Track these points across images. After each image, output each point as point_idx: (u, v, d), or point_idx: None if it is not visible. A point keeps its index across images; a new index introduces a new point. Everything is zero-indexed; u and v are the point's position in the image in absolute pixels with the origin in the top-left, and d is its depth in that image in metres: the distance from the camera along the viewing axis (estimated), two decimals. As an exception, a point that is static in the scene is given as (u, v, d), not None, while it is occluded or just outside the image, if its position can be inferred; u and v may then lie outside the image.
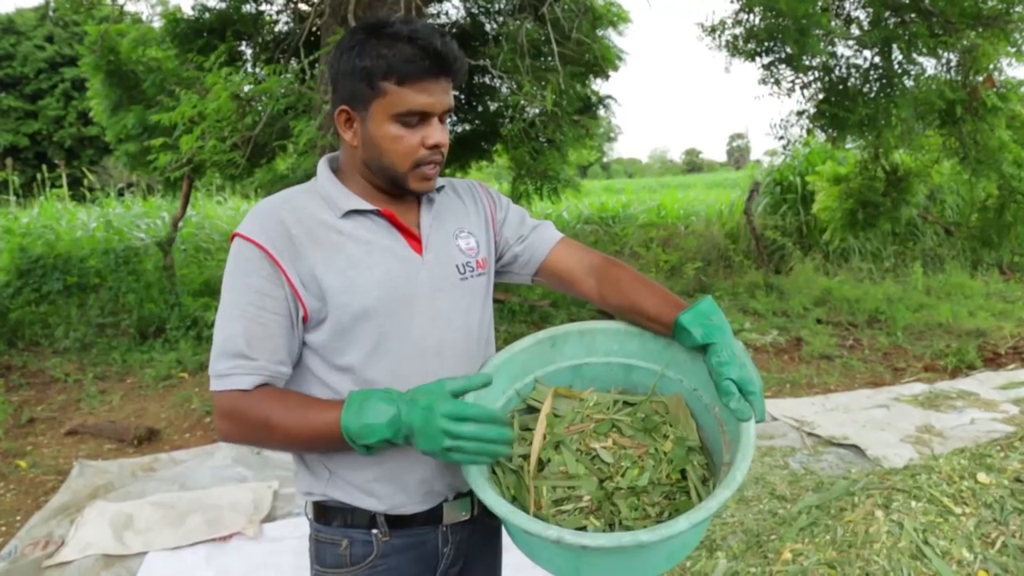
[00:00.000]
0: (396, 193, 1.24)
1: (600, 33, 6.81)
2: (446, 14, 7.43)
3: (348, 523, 1.25)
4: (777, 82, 5.98)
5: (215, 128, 4.51)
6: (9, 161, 17.46)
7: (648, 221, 10.44)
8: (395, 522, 1.25)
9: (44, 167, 15.87)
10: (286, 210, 1.18)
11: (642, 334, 1.29)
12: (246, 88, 4.87)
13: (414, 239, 1.24)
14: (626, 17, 6.96)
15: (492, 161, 7.64)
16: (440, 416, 1.01)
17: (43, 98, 27.66)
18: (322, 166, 1.27)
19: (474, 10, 7.30)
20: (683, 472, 1.19)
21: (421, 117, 1.15)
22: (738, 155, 51.92)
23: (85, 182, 14.67)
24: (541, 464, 1.20)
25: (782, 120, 6.37)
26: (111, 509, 3.28)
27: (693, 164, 58.08)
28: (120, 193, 13.54)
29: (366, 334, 1.18)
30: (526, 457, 1.20)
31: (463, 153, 7.33)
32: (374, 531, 1.24)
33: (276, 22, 7.16)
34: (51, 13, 27.62)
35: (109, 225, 8.95)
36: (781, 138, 6.30)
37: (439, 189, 1.31)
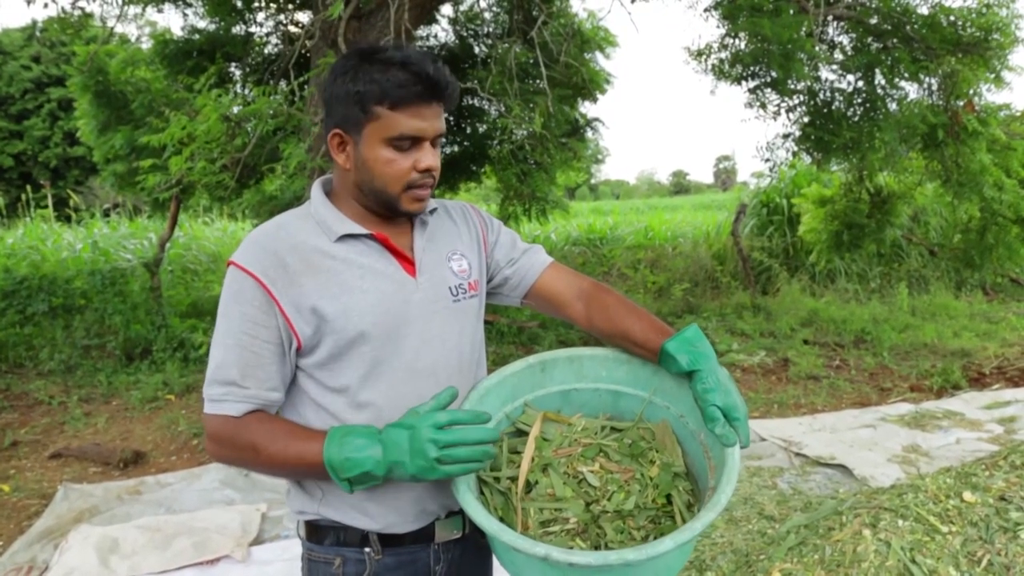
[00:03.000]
0: (389, 216, 1.26)
1: (588, 56, 6.89)
2: (435, 37, 7.50)
3: (341, 541, 1.26)
4: (763, 105, 6.06)
5: (204, 149, 4.52)
6: (-6, 181, 17.36)
7: (636, 243, 10.51)
8: (387, 540, 1.26)
9: (29, 187, 15.78)
10: (280, 238, 1.20)
11: (630, 361, 1.31)
12: (235, 109, 4.89)
13: (408, 262, 1.25)
14: (613, 41, 7.05)
15: (480, 183, 7.68)
16: (425, 427, 1.05)
17: (29, 118, 27.56)
18: (316, 189, 1.28)
19: (463, 33, 7.37)
20: (668, 497, 1.20)
21: (413, 141, 1.17)
22: (725, 177, 52.37)
23: (71, 203, 14.60)
24: (529, 486, 1.21)
25: (768, 143, 6.44)
26: (96, 533, 3.24)
27: (680, 186, 58.52)
28: (106, 214, 13.48)
29: (361, 358, 1.19)
30: (514, 479, 1.21)
31: (452, 174, 7.36)
32: (367, 549, 1.25)
33: (265, 44, 7.20)
34: (38, 33, 27.62)
35: (95, 246, 8.92)
36: (767, 160, 6.37)
37: (432, 211, 1.32)
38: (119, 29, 6.65)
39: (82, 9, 5.75)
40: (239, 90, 6.78)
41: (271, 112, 4.56)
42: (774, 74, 5.70)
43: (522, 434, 1.30)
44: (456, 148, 7.38)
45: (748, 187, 12.70)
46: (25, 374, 6.55)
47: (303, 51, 5.43)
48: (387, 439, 1.07)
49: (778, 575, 2.59)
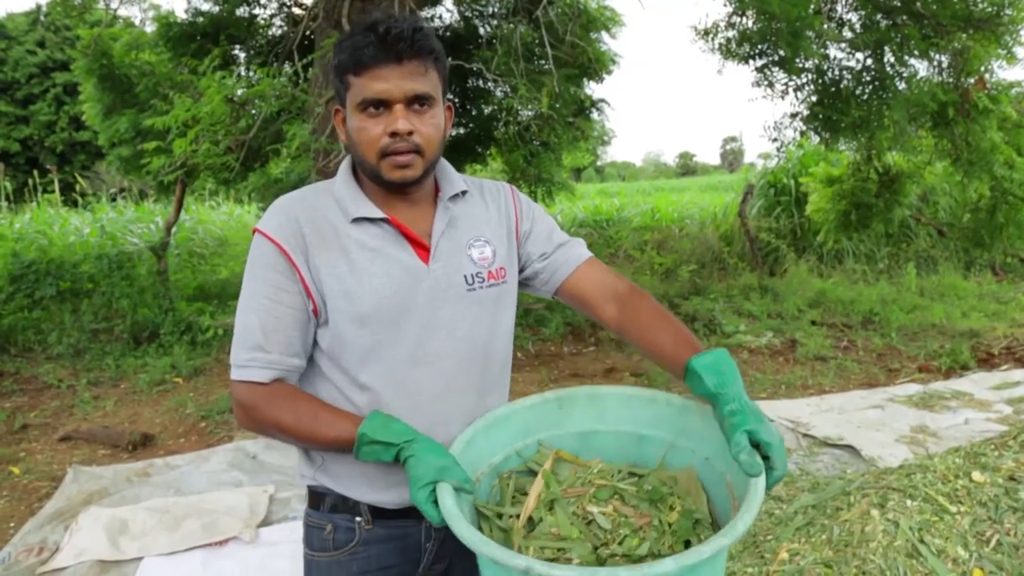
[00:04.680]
0: (406, 195, 1.23)
1: (593, 36, 6.82)
2: (440, 17, 7.43)
3: (334, 508, 1.28)
4: (770, 84, 6.00)
5: (209, 132, 4.50)
6: (1, 166, 17.39)
7: (642, 224, 10.46)
8: (379, 513, 1.27)
9: (36, 172, 15.81)
10: (301, 209, 1.21)
11: (654, 400, 1.23)
12: (240, 92, 4.86)
13: (422, 248, 1.23)
14: (619, 20, 6.97)
15: (486, 164, 7.64)
16: (450, 479, 1.06)
17: (35, 103, 27.57)
18: (343, 166, 1.29)
19: (468, 13, 7.30)
20: (687, 543, 1.10)
21: (381, 105, 1.14)
22: (732, 158, 52.08)
23: (77, 187, 14.61)
24: (532, 524, 1.14)
25: (776, 122, 6.39)
26: (106, 515, 3.26)
27: (687, 167, 58.21)
28: (112, 198, 13.49)
29: (360, 340, 1.19)
30: (517, 515, 1.15)
31: (457, 156, 7.32)
32: (358, 519, 1.27)
33: (270, 26, 7.15)
34: (43, 18, 27.58)
35: (102, 230, 8.93)
36: (775, 140, 6.32)
37: (463, 193, 1.29)
38: (123, 12, 6.63)
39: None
40: (243, 72, 6.75)
41: (275, 94, 4.54)
42: (782, 52, 5.64)
43: (533, 474, 1.22)
44: (461, 130, 7.34)
45: (755, 168, 12.63)
46: (34, 358, 6.59)
47: (307, 32, 5.40)
48: (420, 452, 1.08)
49: (785, 555, 2.59)
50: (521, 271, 1.36)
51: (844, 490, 3.12)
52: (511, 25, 5.79)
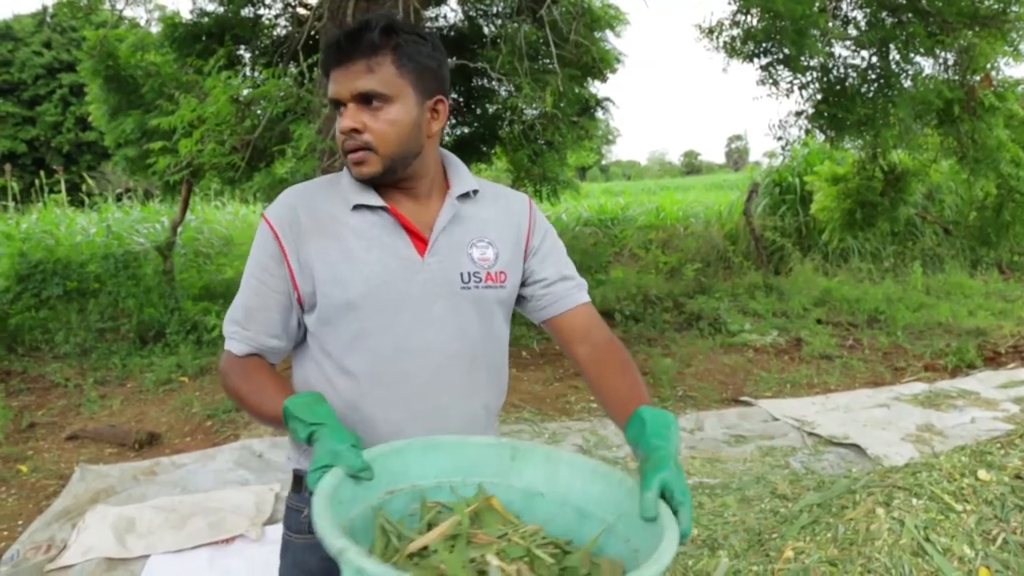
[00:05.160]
0: (404, 189, 1.25)
1: (597, 35, 6.82)
2: (444, 17, 7.44)
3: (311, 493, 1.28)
4: (775, 83, 6.00)
5: (214, 131, 4.52)
6: (8, 167, 17.47)
7: (647, 223, 10.46)
8: None
9: (42, 173, 15.85)
10: (304, 197, 1.25)
11: (608, 477, 1.11)
12: (245, 92, 4.88)
13: (421, 240, 1.23)
14: (623, 19, 6.98)
15: (491, 163, 7.65)
16: (313, 471, 0.99)
17: (41, 104, 27.67)
18: None
19: (472, 13, 7.31)
20: None
21: (340, 104, 1.17)
22: (737, 156, 52.00)
23: (83, 187, 14.66)
24: (424, 555, 1.02)
25: (781, 121, 6.39)
26: (113, 513, 3.28)
27: (692, 166, 58.12)
28: (118, 198, 13.53)
29: (346, 326, 1.22)
30: (413, 538, 1.04)
31: (462, 155, 7.28)
32: None
33: (274, 26, 7.17)
34: (49, 19, 27.67)
35: (108, 230, 8.95)
36: (780, 139, 6.32)
37: (474, 193, 1.29)
38: (128, 13, 6.65)
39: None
40: (248, 72, 6.77)
41: (281, 94, 4.55)
42: (787, 51, 5.63)
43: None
44: (466, 129, 7.35)
45: (760, 166, 12.61)
46: (41, 357, 6.61)
47: (312, 32, 5.41)
48: (324, 436, 1.04)
49: (791, 553, 2.59)
50: (522, 285, 1.35)
51: (850, 489, 3.11)
52: (515, 24, 5.79)
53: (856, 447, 4.02)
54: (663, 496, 0.95)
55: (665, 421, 1.08)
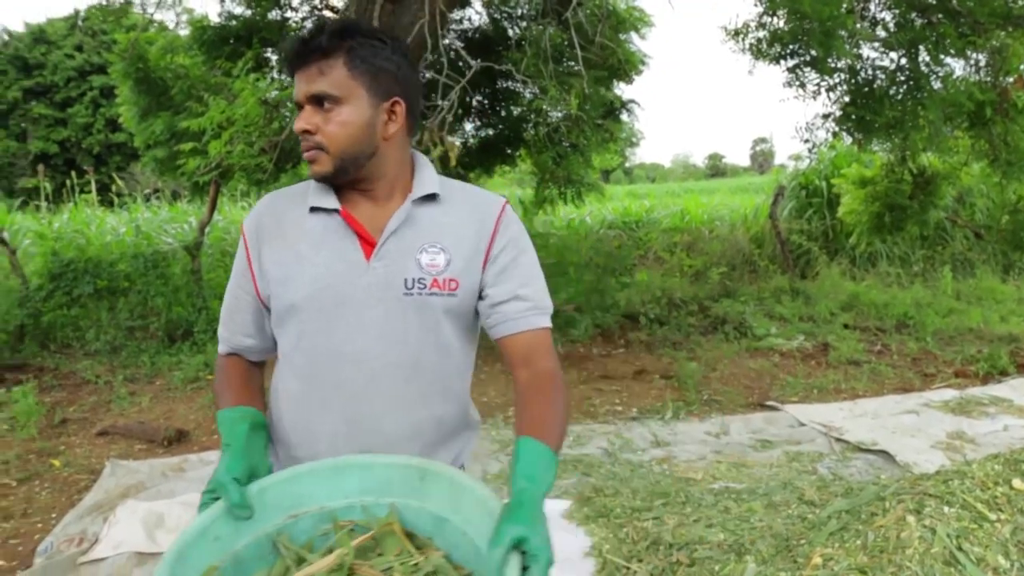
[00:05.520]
0: (363, 191, 1.26)
1: (622, 37, 6.80)
2: (468, 20, 7.46)
3: None
4: (802, 85, 5.94)
5: (243, 133, 4.57)
6: (41, 168, 17.77)
7: (672, 226, 10.41)
8: None
9: (73, 173, 16.09)
10: (272, 203, 1.31)
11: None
12: (273, 93, 4.92)
13: (370, 244, 1.23)
14: (648, 21, 6.95)
15: (516, 166, 7.65)
16: (204, 493, 1.09)
17: (72, 106, 28.18)
18: None
19: (496, 15, 7.32)
20: None
21: (300, 107, 1.20)
22: (762, 159, 51.58)
23: (113, 188, 14.88)
24: None
25: (807, 123, 6.32)
26: (143, 508, 3.32)
27: (716, 168, 57.73)
28: (147, 199, 13.71)
29: (292, 327, 1.26)
30: (303, 561, 1.06)
31: (487, 158, 7.34)
32: None
33: (301, 28, 7.23)
34: (80, 23, 28.14)
35: (138, 230, 9.08)
36: (806, 141, 6.25)
37: (433, 196, 1.26)
38: (157, 17, 6.74)
39: (124, -4, 5.82)
40: (275, 75, 6.83)
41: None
42: (814, 52, 5.57)
43: (369, 531, 1.11)
44: (491, 131, 7.36)
45: (786, 169, 12.50)
46: (73, 354, 6.73)
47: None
48: (221, 461, 1.11)
49: (819, 560, 2.56)
50: (479, 296, 1.29)
51: (879, 495, 3.07)
52: (540, 27, 5.79)
53: (885, 454, 3.97)
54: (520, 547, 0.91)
55: (541, 457, 1.05)
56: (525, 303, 1.26)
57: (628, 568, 2.86)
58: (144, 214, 11.06)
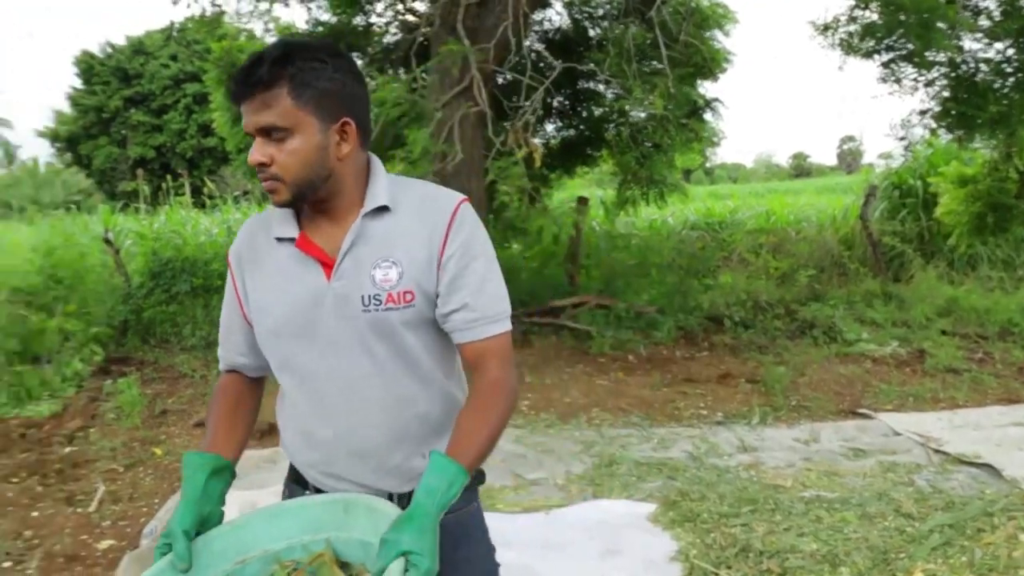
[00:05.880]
0: (324, 212, 1.28)
1: (706, 34, 6.68)
2: (549, 20, 7.47)
3: (291, 477, 1.45)
4: (898, 80, 5.72)
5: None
6: (140, 171, 18.73)
7: (757, 227, 10.13)
8: (319, 490, 1.37)
9: (168, 177, 16.85)
10: (248, 231, 1.36)
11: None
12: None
13: (328, 265, 1.25)
14: (732, 17, 6.81)
15: (597, 166, 7.61)
16: (173, 539, 1.13)
17: (167, 112, 29.58)
18: None
19: (577, 16, 7.30)
20: None
21: (253, 138, 1.21)
22: (850, 158, 49.77)
23: (205, 190, 15.52)
24: None
25: (903, 120, 6.08)
26: (238, 497, 3.44)
27: (801, 168, 55.99)
28: (236, 200, 14.24)
29: (273, 351, 1.32)
30: None
31: (568, 159, 7.33)
32: (307, 491, 1.38)
33: (384, 33, 7.38)
34: (175, 34, 29.53)
35: (229, 231, 9.44)
36: (902, 139, 6.02)
37: (381, 210, 1.26)
38: (248, 26, 6.99)
39: (219, 7, 6.07)
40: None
41: (394, 99, 4.69)
42: (910, 46, 5.35)
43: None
44: (571, 132, 7.34)
45: (875, 168, 12.02)
46: (170, 348, 7.06)
47: (422, 39, 5.54)
48: (175, 512, 1.17)
49: (921, 575, 2.45)
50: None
51: (985, 511, 2.93)
52: (623, 26, 5.74)
53: (989, 467, 3.76)
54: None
55: (444, 473, 1.09)
56: (473, 313, 1.26)
57: (717, 574, 2.81)
58: (235, 215, 11.48)
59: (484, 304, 1.27)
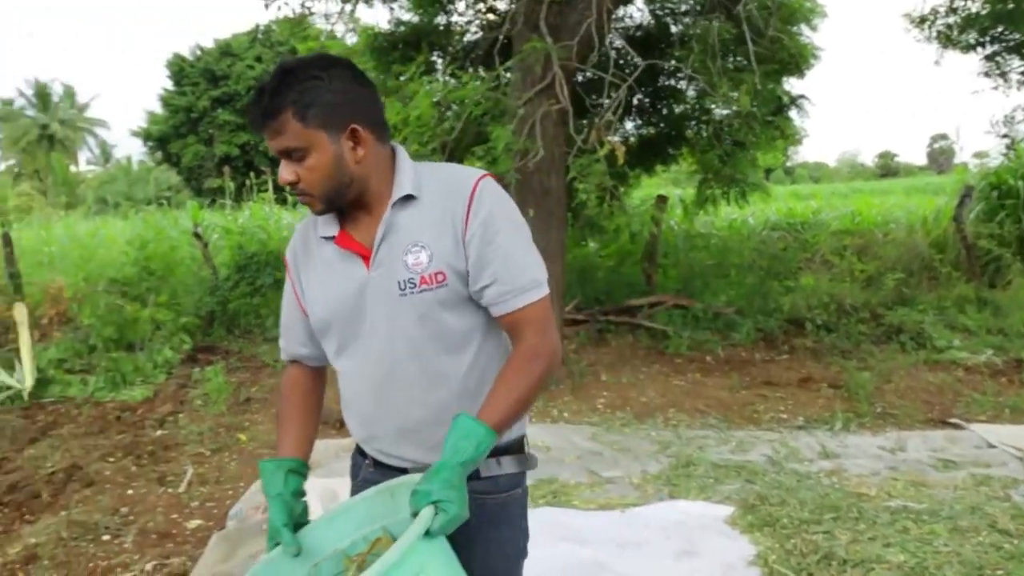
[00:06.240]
0: (360, 207, 1.37)
1: (793, 30, 6.49)
2: (630, 17, 7.40)
3: (357, 449, 1.57)
4: (1003, 74, 5.44)
5: (416, 133, 4.79)
6: (226, 169, 19.46)
7: (841, 228, 9.78)
8: (378, 462, 1.50)
9: (252, 174, 17.42)
10: (300, 232, 1.49)
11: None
12: (443, 95, 5.11)
13: (367, 257, 1.36)
14: (821, 11, 6.59)
15: (677, 164, 7.49)
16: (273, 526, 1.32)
17: (253, 112, 30.57)
18: None
19: (659, 12, 7.21)
20: None
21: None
22: (941, 158, 47.60)
23: (286, 187, 15.94)
24: None
25: (1006, 116, 5.78)
26: (319, 484, 3.54)
27: (888, 168, 53.79)
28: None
29: (330, 338, 1.44)
30: None
31: (647, 157, 7.25)
32: (366, 460, 1.53)
33: (465, 32, 7.44)
34: (260, 35, 30.53)
35: (311, 226, 9.71)
36: (1004, 136, 5.71)
37: (407, 199, 1.34)
38: (326, 27, 7.15)
39: (308, 8, 6.24)
40: (440, 78, 7.08)
41: (477, 97, 4.74)
42: (1017, 36, 5.08)
43: (378, 554, 1.33)
44: (651, 130, 7.26)
45: (970, 168, 11.44)
46: (253, 339, 7.31)
47: (504, 37, 5.57)
48: (270, 513, 1.34)
49: (1021, 593, 2.33)
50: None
51: (1092, 529, 2.76)
52: (707, 21, 5.64)
53: (1094, 484, 3.55)
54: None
55: (467, 433, 1.21)
56: (504, 287, 1.33)
57: (797, 582, 2.74)
58: (315, 211, 11.76)
59: (513, 276, 1.33)
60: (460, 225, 1.32)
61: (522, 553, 1.51)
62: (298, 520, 1.34)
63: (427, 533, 1.10)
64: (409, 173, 1.36)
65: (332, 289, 1.39)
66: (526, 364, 1.31)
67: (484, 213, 1.32)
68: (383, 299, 1.34)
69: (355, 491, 1.55)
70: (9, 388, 5.44)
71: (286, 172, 1.30)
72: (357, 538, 1.35)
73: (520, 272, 1.34)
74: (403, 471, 1.41)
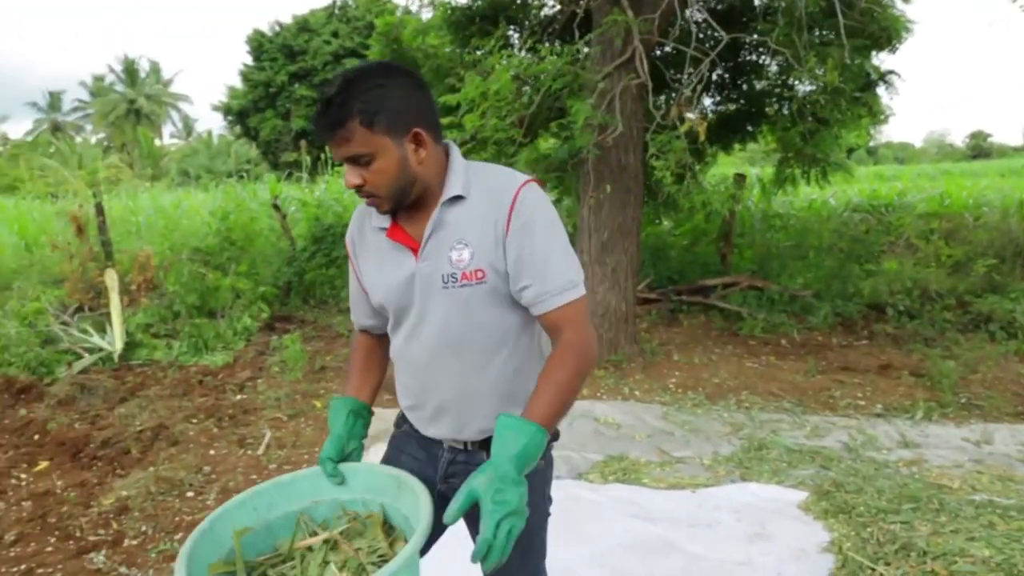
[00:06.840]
0: (417, 200, 1.46)
1: (885, 1, 6.19)
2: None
3: (401, 416, 1.71)
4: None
5: (495, 107, 4.79)
6: (303, 143, 19.87)
7: (928, 211, 9.36)
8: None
9: (326, 148, 17.71)
10: (357, 220, 1.60)
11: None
12: (521, 69, 5.09)
13: (415, 250, 1.46)
14: (916, -17, 6.28)
15: (756, 141, 7.28)
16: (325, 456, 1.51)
17: (329, 87, 31.10)
18: None
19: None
20: None
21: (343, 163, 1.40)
22: (1039, 139, 44.86)
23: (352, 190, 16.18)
24: (303, 557, 1.41)
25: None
26: (383, 450, 3.63)
27: (980, 149, 51.14)
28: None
29: (387, 316, 1.58)
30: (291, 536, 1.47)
31: (725, 134, 7.07)
32: (404, 426, 1.69)
33: (542, 6, 7.37)
34: (336, 11, 30.93)
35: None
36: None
37: (456, 199, 1.43)
38: (401, 2, 7.18)
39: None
40: (516, 52, 7.04)
41: (557, 71, 4.71)
42: None
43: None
44: (731, 106, 7.07)
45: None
46: (328, 309, 7.50)
47: (583, 10, 5.50)
48: (324, 445, 1.53)
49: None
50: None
51: None
52: (792, -7, 5.43)
53: None
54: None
55: (508, 431, 1.27)
56: (542, 288, 1.41)
57: (873, 570, 2.68)
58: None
59: (551, 279, 1.41)
60: (502, 227, 1.41)
61: (545, 518, 1.63)
62: (349, 459, 1.52)
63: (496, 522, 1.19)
64: (460, 174, 1.45)
65: (384, 277, 1.52)
66: (564, 360, 1.38)
67: (524, 218, 1.41)
68: (429, 289, 1.46)
69: (395, 438, 1.71)
70: (101, 350, 5.74)
71: (352, 176, 1.38)
72: (358, 498, 1.49)
73: (558, 274, 1.41)
74: (438, 443, 1.60)
